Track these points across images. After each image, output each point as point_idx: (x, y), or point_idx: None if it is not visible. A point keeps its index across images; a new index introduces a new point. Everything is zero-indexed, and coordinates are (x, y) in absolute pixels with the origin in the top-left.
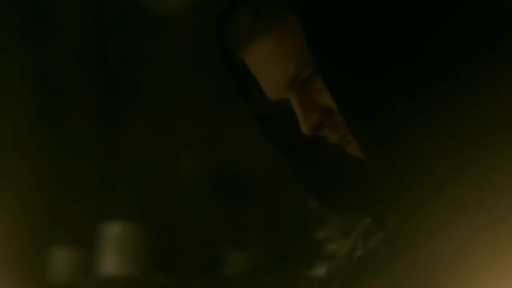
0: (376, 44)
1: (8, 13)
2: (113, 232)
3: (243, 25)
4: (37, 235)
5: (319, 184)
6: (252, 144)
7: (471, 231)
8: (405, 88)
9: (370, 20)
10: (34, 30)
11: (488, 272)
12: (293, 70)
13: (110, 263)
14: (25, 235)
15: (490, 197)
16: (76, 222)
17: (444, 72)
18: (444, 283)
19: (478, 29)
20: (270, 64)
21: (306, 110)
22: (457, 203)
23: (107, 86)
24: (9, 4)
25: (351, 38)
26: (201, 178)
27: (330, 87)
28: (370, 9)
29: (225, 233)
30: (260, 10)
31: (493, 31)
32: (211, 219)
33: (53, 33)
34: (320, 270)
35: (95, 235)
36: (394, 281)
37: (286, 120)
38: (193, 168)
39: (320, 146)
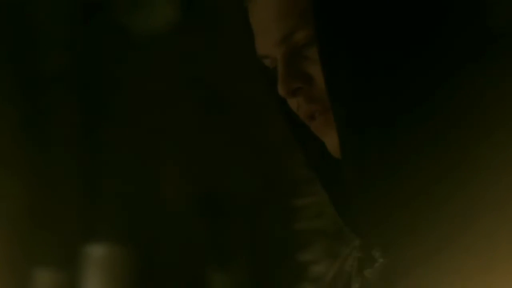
0: (379, 29)
1: None
2: (97, 254)
3: None
4: (21, 256)
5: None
6: (237, 167)
7: (460, 260)
8: (400, 83)
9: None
10: (20, 51)
11: None
12: (291, 26)
13: (94, 284)
14: (8, 256)
15: (478, 224)
16: (60, 243)
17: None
18: None
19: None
20: (271, 13)
21: (288, 72)
22: (446, 229)
23: (93, 108)
24: None
25: (358, 14)
26: (185, 200)
27: (322, 55)
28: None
29: (210, 255)
30: None
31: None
32: (196, 242)
33: (39, 54)
34: None
35: (79, 256)
36: None
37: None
38: (177, 191)
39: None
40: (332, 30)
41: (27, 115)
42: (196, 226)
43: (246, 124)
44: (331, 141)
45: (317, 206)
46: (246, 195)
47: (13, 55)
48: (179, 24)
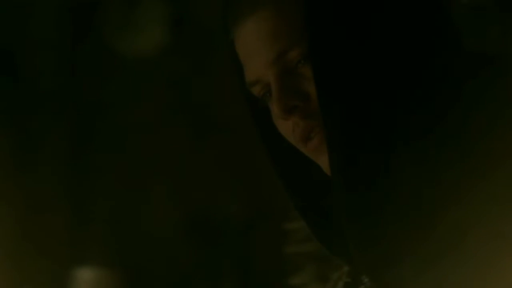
0: (374, 48)
1: None
2: (85, 277)
3: None
4: (7, 280)
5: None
6: (226, 189)
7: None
8: (395, 105)
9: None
10: (8, 71)
11: None
12: (284, 44)
13: None
14: None
15: (464, 251)
16: (48, 267)
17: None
18: None
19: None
20: (263, 34)
21: (282, 90)
22: (432, 255)
23: (80, 131)
24: None
25: (352, 31)
26: (173, 224)
27: (316, 71)
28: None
29: (198, 279)
30: None
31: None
32: (184, 266)
33: (27, 74)
34: None
35: (67, 280)
36: None
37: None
38: (165, 215)
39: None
40: (326, 47)
41: (15, 138)
42: (184, 250)
43: (235, 148)
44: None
45: (307, 230)
46: (234, 219)
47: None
48: (168, 47)
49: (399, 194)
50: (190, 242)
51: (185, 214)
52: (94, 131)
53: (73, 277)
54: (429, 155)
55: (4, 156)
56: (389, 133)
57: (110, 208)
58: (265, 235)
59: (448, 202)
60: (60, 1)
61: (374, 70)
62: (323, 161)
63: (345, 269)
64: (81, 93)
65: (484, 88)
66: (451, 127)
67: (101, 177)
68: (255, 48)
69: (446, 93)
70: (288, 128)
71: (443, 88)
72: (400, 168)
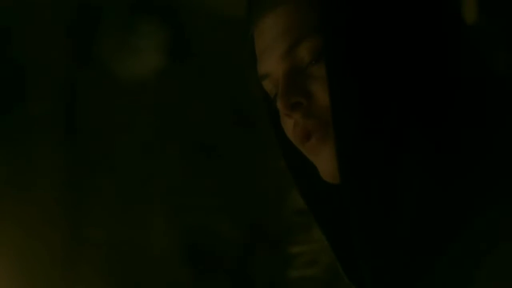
0: (389, 49)
1: None
2: None
3: None
4: None
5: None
6: (225, 215)
7: None
8: (408, 113)
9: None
10: (4, 94)
11: None
12: (297, 36)
13: None
14: None
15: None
16: None
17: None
18: None
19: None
20: (280, 27)
21: (289, 86)
22: (444, 282)
23: (77, 153)
24: None
25: (367, 27)
26: (172, 248)
27: (329, 70)
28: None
29: None
30: None
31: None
32: None
33: (23, 98)
34: None
35: None
36: None
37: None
38: (163, 239)
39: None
40: (340, 44)
41: (13, 163)
42: (183, 276)
43: (235, 171)
44: (324, 161)
45: (310, 254)
46: (235, 243)
47: None
48: (166, 71)
49: (408, 211)
50: (188, 267)
51: (184, 238)
52: (91, 155)
53: None
54: (442, 172)
55: (1, 178)
56: (402, 145)
57: (106, 233)
58: (266, 259)
59: (462, 227)
60: (58, 26)
61: (390, 78)
62: (319, 162)
63: None
64: (80, 116)
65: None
66: (468, 146)
67: (98, 201)
68: (269, 42)
69: (467, 110)
70: (290, 126)
71: (464, 105)
72: (410, 185)
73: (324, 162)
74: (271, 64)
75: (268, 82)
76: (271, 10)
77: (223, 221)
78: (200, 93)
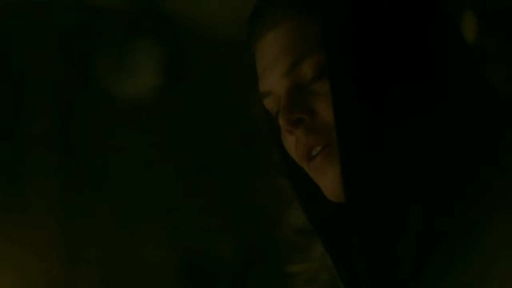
0: (391, 63)
1: None
2: None
3: (273, 11)
4: None
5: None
6: (221, 233)
7: None
8: (411, 126)
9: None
10: (4, 114)
11: None
12: (300, 53)
13: None
14: None
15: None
16: None
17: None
18: None
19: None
20: (281, 44)
21: (291, 102)
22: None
23: (73, 172)
24: None
25: (370, 43)
26: (169, 268)
27: (333, 86)
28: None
29: None
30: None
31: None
32: None
33: (18, 117)
34: None
35: None
36: None
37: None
38: (159, 257)
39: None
40: (344, 61)
41: (8, 182)
42: None
43: (232, 191)
44: (329, 181)
45: (309, 273)
46: (233, 263)
47: None
48: (163, 90)
49: (413, 230)
50: (185, 287)
51: (180, 256)
52: (86, 173)
53: None
54: (448, 191)
55: None
56: (408, 163)
57: (101, 252)
58: (266, 278)
59: (468, 239)
60: (56, 45)
61: (395, 94)
62: (323, 181)
63: None
64: (73, 136)
65: None
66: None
67: (93, 220)
68: (271, 60)
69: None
70: (293, 143)
71: (467, 122)
72: (415, 204)
73: (329, 181)
74: (273, 82)
75: (270, 100)
76: (272, 28)
77: (221, 240)
78: (197, 112)
